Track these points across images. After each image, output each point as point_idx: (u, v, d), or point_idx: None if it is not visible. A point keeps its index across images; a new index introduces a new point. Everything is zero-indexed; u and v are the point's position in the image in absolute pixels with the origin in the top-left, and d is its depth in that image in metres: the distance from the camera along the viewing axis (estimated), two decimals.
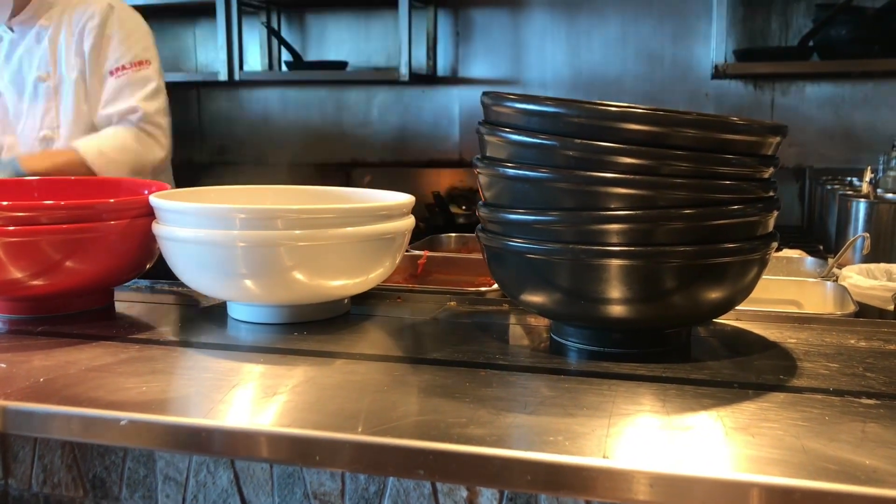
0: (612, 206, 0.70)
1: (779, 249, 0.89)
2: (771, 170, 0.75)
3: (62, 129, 1.86)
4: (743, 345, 0.82)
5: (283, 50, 3.07)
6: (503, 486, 0.73)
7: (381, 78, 3.03)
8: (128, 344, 0.81)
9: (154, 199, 0.87)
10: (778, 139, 0.75)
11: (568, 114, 0.70)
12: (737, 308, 0.82)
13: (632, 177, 0.69)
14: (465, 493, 0.78)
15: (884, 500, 0.49)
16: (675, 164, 0.69)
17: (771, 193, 0.76)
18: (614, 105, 0.69)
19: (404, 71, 2.75)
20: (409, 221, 0.91)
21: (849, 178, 2.29)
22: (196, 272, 0.86)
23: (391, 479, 0.80)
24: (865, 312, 1.10)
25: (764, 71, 2.66)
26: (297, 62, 3.00)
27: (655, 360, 0.75)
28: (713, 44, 2.57)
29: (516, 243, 0.75)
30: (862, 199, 1.89)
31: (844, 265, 1.34)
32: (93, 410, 0.64)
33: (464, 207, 2.74)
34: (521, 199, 0.75)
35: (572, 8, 2.86)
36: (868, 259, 1.65)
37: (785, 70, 2.65)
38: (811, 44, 2.55)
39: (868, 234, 1.30)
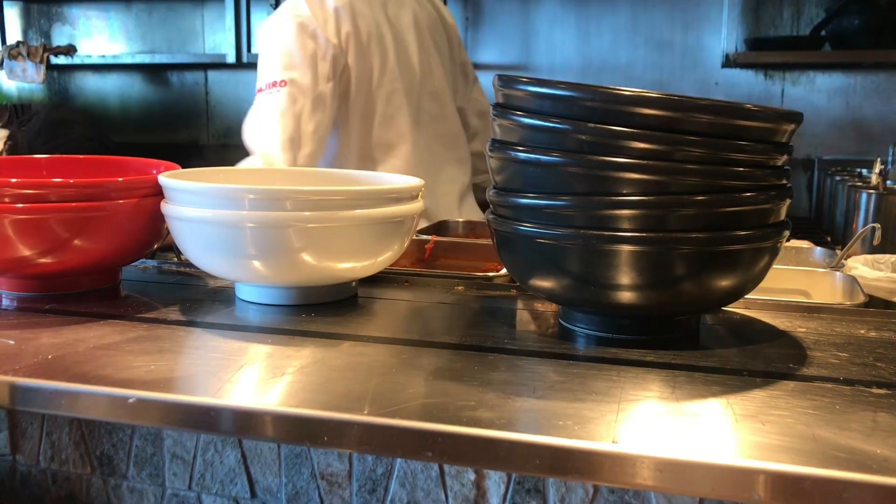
0: (624, 192, 0.70)
1: (787, 240, 0.89)
2: (785, 157, 0.75)
3: None
4: (752, 333, 0.82)
5: None
6: (511, 469, 0.73)
7: None
8: (136, 323, 0.81)
9: (163, 179, 0.87)
10: (792, 127, 0.74)
11: (581, 97, 0.70)
12: (745, 297, 0.81)
13: (644, 162, 0.69)
14: (472, 476, 0.78)
15: (895, 489, 0.49)
16: (689, 150, 0.69)
17: (784, 181, 0.76)
18: (628, 89, 0.69)
19: None
20: (419, 205, 0.91)
21: (858, 170, 2.28)
22: (204, 252, 0.86)
23: (399, 460, 0.80)
24: (875, 303, 1.09)
25: (774, 60, 2.64)
26: None
27: (664, 347, 0.75)
28: (724, 32, 2.55)
29: (527, 228, 0.75)
30: (871, 191, 1.88)
31: (850, 255, 1.33)
32: (101, 388, 0.64)
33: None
34: (532, 184, 0.74)
35: None
36: (875, 250, 1.65)
37: (795, 60, 2.63)
38: (823, 33, 2.53)
39: (878, 225, 1.29)
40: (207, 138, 3.33)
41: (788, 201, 0.76)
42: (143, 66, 3.35)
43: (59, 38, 3.47)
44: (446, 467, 0.79)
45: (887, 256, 1.31)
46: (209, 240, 0.84)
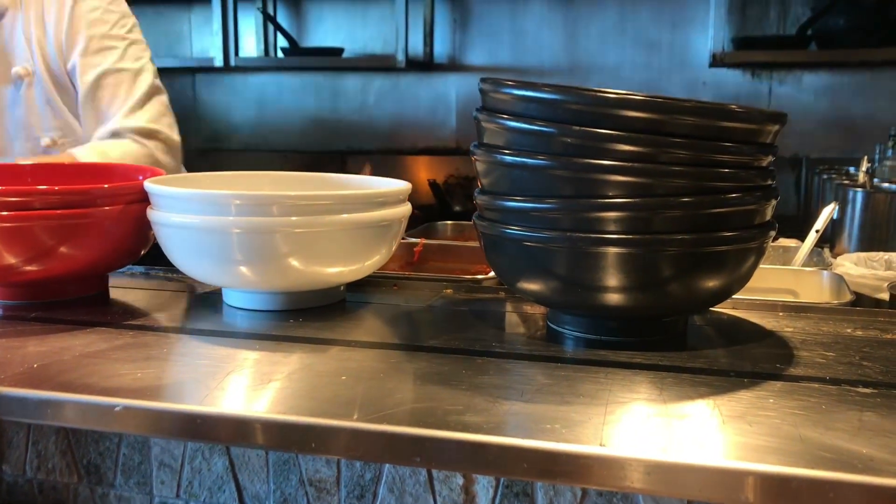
0: (610, 194, 0.70)
1: (775, 239, 0.89)
2: (770, 158, 0.75)
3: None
4: (739, 333, 0.82)
5: (279, 36, 3.06)
6: (499, 474, 0.73)
7: (378, 65, 3.01)
8: (122, 330, 0.81)
9: (149, 185, 0.87)
10: (777, 127, 0.74)
11: (566, 100, 0.70)
12: (733, 297, 0.82)
13: (630, 164, 0.69)
14: (461, 481, 0.78)
15: (881, 488, 0.49)
16: (674, 152, 0.69)
17: (769, 182, 0.76)
18: (613, 92, 0.69)
19: (401, 58, 2.74)
20: (406, 208, 0.91)
21: (846, 168, 2.29)
22: (191, 258, 0.86)
23: (387, 466, 0.80)
24: (862, 302, 1.10)
25: (761, 59, 2.65)
26: (293, 48, 2.99)
27: (652, 349, 0.75)
28: (711, 32, 2.56)
29: (513, 231, 0.75)
30: (858, 189, 1.89)
31: (840, 253, 1.34)
32: (87, 396, 0.63)
33: (457, 208, 2.73)
34: (518, 187, 0.74)
35: None
36: (864, 248, 1.66)
37: (783, 59, 2.64)
38: (809, 32, 2.55)
39: (835, 204, 1.31)
40: (195, 142, 3.32)
41: (774, 202, 0.77)
42: None
43: None
44: (435, 472, 0.79)
45: (880, 254, 1.32)
46: (196, 246, 0.83)
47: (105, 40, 1.55)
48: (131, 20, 1.64)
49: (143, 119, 1.54)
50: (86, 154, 1.48)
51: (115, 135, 1.53)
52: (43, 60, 1.54)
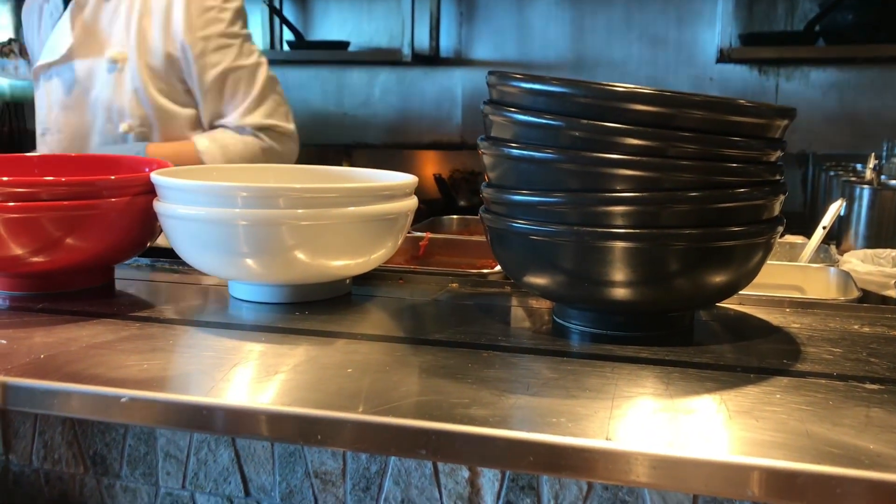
0: (618, 188, 0.70)
1: (782, 235, 0.89)
2: (778, 153, 0.75)
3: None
4: (746, 329, 0.82)
5: (285, 29, 3.05)
6: (505, 467, 0.73)
7: (384, 58, 3.01)
8: (129, 322, 0.81)
9: (155, 177, 0.87)
10: (786, 122, 0.74)
11: (574, 94, 0.70)
12: (740, 293, 0.81)
13: (638, 158, 0.69)
14: (466, 474, 0.78)
15: (887, 484, 0.49)
16: (682, 146, 0.69)
17: (777, 177, 0.76)
18: (621, 86, 0.69)
19: (407, 51, 2.74)
20: (412, 202, 0.91)
21: (852, 165, 2.29)
22: (197, 250, 0.86)
23: (392, 458, 0.80)
24: (869, 298, 1.09)
25: (769, 55, 2.64)
26: (299, 41, 2.99)
27: (658, 344, 0.75)
28: (718, 27, 2.55)
29: (520, 224, 0.74)
30: (865, 186, 1.88)
31: (847, 250, 1.33)
32: (94, 387, 0.63)
33: (463, 202, 2.72)
34: (525, 180, 0.74)
35: None
36: (870, 245, 1.65)
37: (790, 55, 2.63)
38: (817, 28, 2.54)
39: (843, 201, 1.31)
40: None
41: (782, 197, 0.76)
42: None
43: None
44: (440, 465, 0.79)
45: (888, 251, 1.32)
46: (202, 238, 0.83)
47: (222, 38, 1.60)
48: (242, 15, 1.69)
49: (261, 115, 1.63)
50: (208, 146, 1.57)
51: (238, 130, 1.62)
52: (141, 49, 1.57)
